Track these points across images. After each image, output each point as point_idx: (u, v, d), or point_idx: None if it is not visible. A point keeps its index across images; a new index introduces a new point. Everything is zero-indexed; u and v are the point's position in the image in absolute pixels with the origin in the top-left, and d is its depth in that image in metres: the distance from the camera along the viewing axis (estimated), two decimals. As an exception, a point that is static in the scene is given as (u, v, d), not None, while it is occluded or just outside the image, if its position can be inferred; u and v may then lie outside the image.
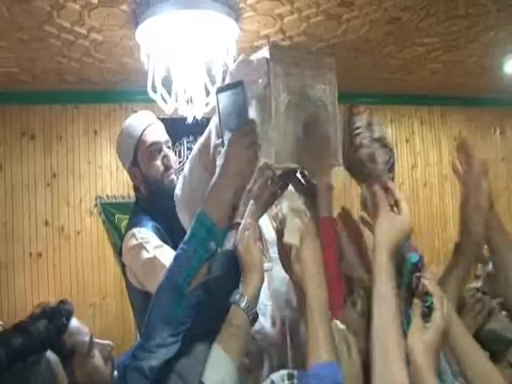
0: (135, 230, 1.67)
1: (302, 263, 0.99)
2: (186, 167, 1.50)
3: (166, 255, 1.65)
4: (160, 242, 1.68)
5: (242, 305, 1.03)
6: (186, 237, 1.02)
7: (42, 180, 3.32)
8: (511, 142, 4.53)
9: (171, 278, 0.99)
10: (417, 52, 3.07)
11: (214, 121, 1.34)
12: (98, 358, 1.18)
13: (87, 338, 1.17)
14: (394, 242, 0.97)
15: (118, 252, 1.79)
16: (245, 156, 1.07)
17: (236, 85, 1.01)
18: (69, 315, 1.16)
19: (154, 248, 1.66)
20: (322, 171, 1.48)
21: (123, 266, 1.77)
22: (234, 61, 1.32)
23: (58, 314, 1.14)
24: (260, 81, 1.21)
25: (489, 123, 4.46)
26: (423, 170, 4.25)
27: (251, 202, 1.22)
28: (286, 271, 1.10)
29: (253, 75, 1.21)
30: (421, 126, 4.28)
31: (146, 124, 1.83)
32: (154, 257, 1.62)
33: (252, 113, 1.31)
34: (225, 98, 1.03)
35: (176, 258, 1.01)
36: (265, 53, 1.25)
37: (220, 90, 1.00)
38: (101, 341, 1.24)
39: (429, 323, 0.89)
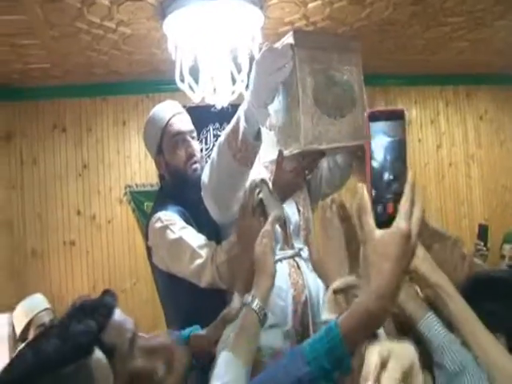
0: (160, 214, 1.67)
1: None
2: (214, 154, 1.50)
3: (192, 236, 1.69)
4: (185, 224, 1.69)
5: (253, 305, 1.11)
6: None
7: (73, 171, 3.42)
8: (539, 119, 4.45)
9: None
10: (442, 32, 3.03)
11: (243, 108, 1.36)
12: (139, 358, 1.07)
13: (129, 336, 1.05)
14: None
15: (145, 237, 1.81)
16: None
17: (396, 115, 0.74)
18: (109, 311, 1.05)
19: (179, 229, 1.67)
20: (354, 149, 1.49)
21: (148, 249, 1.79)
22: (260, 48, 1.35)
23: (96, 312, 1.03)
24: (286, 66, 1.25)
25: (516, 102, 4.39)
26: (448, 150, 4.21)
27: (272, 213, 1.28)
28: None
29: (278, 62, 1.25)
30: (446, 106, 4.23)
31: (171, 114, 1.85)
32: (180, 237, 1.64)
33: (280, 98, 1.34)
34: (379, 130, 0.74)
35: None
36: (289, 39, 1.28)
37: (373, 118, 0.73)
38: (146, 336, 1.12)
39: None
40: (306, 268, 1.73)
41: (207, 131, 3.61)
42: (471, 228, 4.05)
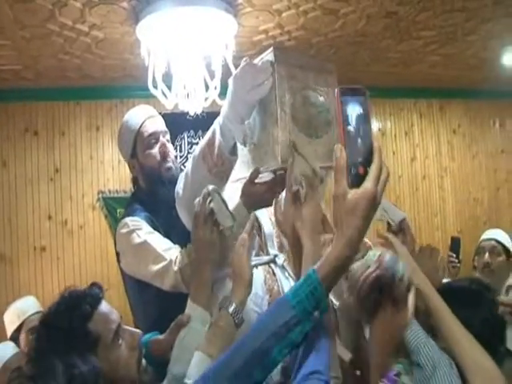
0: (128, 219, 1.69)
1: (303, 221, 1.07)
2: (189, 165, 1.51)
3: (157, 240, 1.69)
4: (152, 229, 1.70)
5: (230, 309, 1.15)
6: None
7: (45, 175, 3.36)
8: (511, 134, 4.56)
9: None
10: (415, 45, 3.09)
11: (218, 121, 1.38)
12: (123, 348, 1.09)
13: (113, 327, 1.08)
14: None
15: (114, 243, 1.81)
16: None
17: (360, 92, 0.87)
18: (95, 302, 1.08)
19: (145, 233, 1.67)
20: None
21: (117, 255, 1.79)
22: (234, 56, 1.36)
23: (83, 302, 1.06)
24: (265, 83, 1.24)
25: (488, 115, 4.48)
26: (422, 162, 4.28)
27: (251, 216, 1.31)
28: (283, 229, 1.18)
29: (257, 78, 1.24)
30: (420, 118, 4.31)
31: (144, 117, 1.86)
32: (145, 241, 1.64)
33: (256, 114, 1.34)
34: (348, 103, 0.87)
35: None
36: (269, 55, 1.28)
37: (344, 93, 0.86)
38: (130, 328, 1.16)
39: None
40: (281, 274, 1.74)
41: (182, 138, 3.60)
42: (444, 240, 4.11)
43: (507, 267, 2.89)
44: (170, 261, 1.60)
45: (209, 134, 1.40)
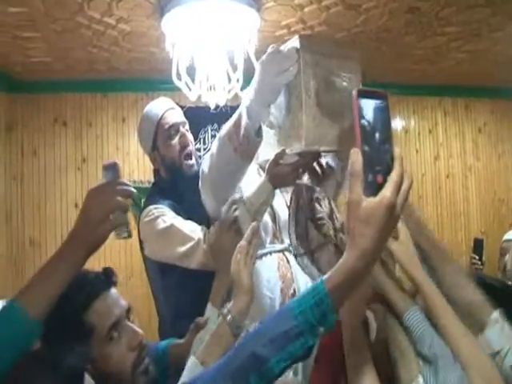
0: (151, 207, 1.73)
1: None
2: (214, 146, 1.56)
3: (183, 222, 1.74)
4: (175, 215, 1.75)
5: (228, 319, 1.13)
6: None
7: (72, 165, 3.48)
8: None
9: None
10: (438, 42, 3.07)
11: (245, 103, 1.40)
12: (119, 346, 1.05)
13: (110, 322, 1.04)
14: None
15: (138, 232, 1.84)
16: None
17: (381, 96, 0.82)
18: (94, 294, 1.04)
19: (170, 218, 1.73)
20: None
21: (141, 242, 1.83)
22: (256, 50, 1.39)
23: (83, 289, 1.03)
24: (291, 69, 1.28)
25: (515, 114, 4.41)
26: (446, 161, 4.23)
27: (252, 225, 1.31)
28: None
29: (284, 64, 1.28)
30: (444, 117, 4.26)
31: (164, 109, 1.91)
32: (172, 224, 1.69)
33: (282, 99, 1.39)
34: (367, 106, 0.83)
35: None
36: (295, 43, 1.32)
37: (362, 95, 0.82)
38: (133, 327, 1.10)
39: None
40: (295, 262, 1.78)
41: (205, 132, 3.67)
42: (467, 240, 4.06)
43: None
44: (199, 239, 1.66)
45: (235, 116, 1.44)
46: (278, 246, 1.75)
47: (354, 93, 0.79)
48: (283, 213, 1.88)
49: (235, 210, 1.38)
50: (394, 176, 0.75)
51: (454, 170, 4.26)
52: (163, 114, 1.89)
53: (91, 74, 3.25)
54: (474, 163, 4.31)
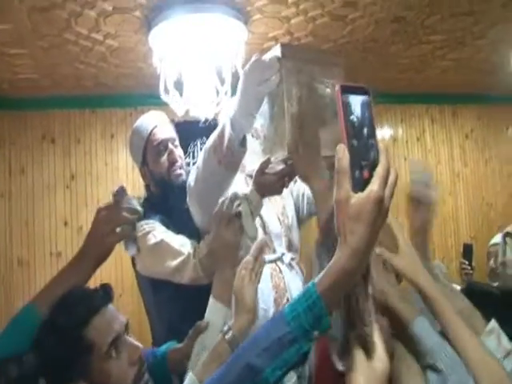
0: (142, 222, 1.71)
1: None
2: (200, 158, 1.56)
3: (173, 237, 1.73)
4: (165, 229, 1.75)
5: (227, 337, 1.11)
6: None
7: (61, 182, 3.44)
8: (524, 138, 4.53)
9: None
10: (424, 50, 3.11)
11: (228, 115, 1.41)
12: (120, 362, 1.05)
13: (110, 338, 1.03)
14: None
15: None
16: None
17: (363, 91, 0.81)
18: (96, 306, 1.04)
19: (160, 233, 1.72)
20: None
21: (133, 258, 1.82)
22: (244, 62, 1.41)
23: (82, 305, 1.04)
24: (273, 78, 1.29)
25: (501, 120, 4.47)
26: (434, 168, 4.27)
27: (259, 240, 1.29)
28: None
29: (265, 73, 1.29)
30: (432, 124, 4.31)
31: (153, 125, 1.91)
32: (162, 240, 1.68)
33: (265, 108, 1.39)
34: (350, 101, 0.82)
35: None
36: (276, 51, 1.33)
37: (345, 90, 0.80)
38: (132, 342, 1.10)
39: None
40: (287, 272, 1.78)
41: (194, 145, 3.66)
42: (457, 246, 4.08)
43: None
44: (189, 254, 1.65)
45: (219, 127, 1.45)
46: (271, 256, 1.76)
47: (337, 88, 0.78)
48: (273, 223, 1.90)
49: (238, 205, 1.37)
50: (379, 170, 0.74)
51: (442, 177, 4.30)
52: (152, 129, 1.89)
53: (79, 90, 3.23)
54: (461, 169, 4.36)
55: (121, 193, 1.26)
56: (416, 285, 1.05)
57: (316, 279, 0.76)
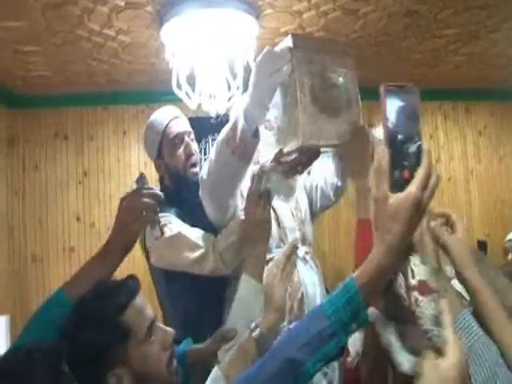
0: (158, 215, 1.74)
1: None
2: (213, 151, 1.57)
3: (190, 230, 1.74)
4: (181, 222, 1.75)
5: (254, 334, 1.12)
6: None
7: (74, 178, 3.48)
8: (539, 134, 4.47)
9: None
10: (437, 45, 3.08)
11: (241, 107, 1.41)
12: (155, 346, 1.05)
13: (147, 322, 1.05)
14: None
15: (142, 241, 1.82)
16: None
17: (408, 90, 0.82)
18: (131, 294, 1.05)
19: (176, 226, 1.73)
20: (358, 172, 1.59)
21: (147, 252, 1.83)
22: (256, 57, 1.42)
23: (117, 293, 1.04)
24: (285, 68, 1.30)
25: (515, 116, 4.42)
26: (447, 164, 4.23)
27: (291, 241, 1.29)
28: None
29: (277, 64, 1.30)
30: (444, 120, 4.27)
31: (169, 118, 1.92)
32: (179, 232, 1.69)
33: (278, 99, 1.40)
34: (394, 102, 0.82)
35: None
36: (288, 42, 1.34)
37: (389, 90, 0.81)
38: (163, 326, 1.12)
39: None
40: (302, 266, 1.78)
41: (206, 142, 3.66)
42: (471, 242, 4.04)
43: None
44: (208, 247, 1.66)
45: (231, 120, 1.45)
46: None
47: (382, 89, 0.79)
48: (286, 217, 1.90)
49: (267, 181, 1.37)
50: (421, 171, 0.76)
51: (455, 173, 4.26)
52: (168, 123, 1.90)
53: (91, 87, 3.25)
54: (475, 166, 4.31)
55: (141, 180, 1.28)
56: (463, 274, 1.02)
57: (354, 274, 0.79)
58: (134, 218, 1.20)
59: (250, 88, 1.38)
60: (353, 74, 1.44)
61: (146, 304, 1.10)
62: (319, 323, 0.79)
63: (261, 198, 1.40)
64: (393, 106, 0.78)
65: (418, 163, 0.77)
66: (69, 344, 0.92)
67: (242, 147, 1.42)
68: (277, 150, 1.42)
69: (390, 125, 0.78)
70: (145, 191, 1.23)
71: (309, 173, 1.87)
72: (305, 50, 1.33)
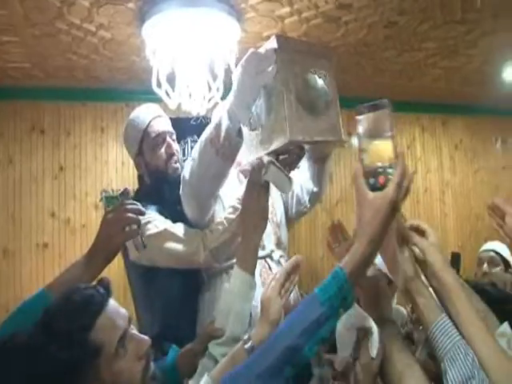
0: None
1: None
2: (195, 151, 1.58)
3: (176, 226, 1.74)
4: (165, 219, 1.76)
5: (246, 346, 1.12)
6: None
7: (49, 174, 3.42)
8: (513, 150, 4.57)
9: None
10: (416, 57, 3.13)
11: (224, 108, 1.45)
12: (128, 358, 1.01)
13: (118, 335, 0.99)
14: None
15: None
16: None
17: (380, 106, 0.93)
18: (100, 307, 0.99)
19: (161, 223, 1.74)
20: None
21: (124, 249, 1.82)
22: (237, 61, 1.45)
23: (84, 309, 0.98)
24: (269, 69, 1.34)
25: (490, 131, 4.51)
26: (424, 176, 4.30)
27: (295, 257, 1.29)
28: None
29: (263, 65, 1.33)
30: (422, 133, 4.34)
31: (152, 116, 1.92)
32: (165, 229, 1.71)
33: (261, 101, 1.42)
34: (366, 120, 0.95)
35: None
36: (272, 43, 1.38)
37: (360, 112, 0.94)
38: (137, 335, 1.06)
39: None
40: (276, 269, 1.79)
41: (185, 143, 3.65)
42: (445, 254, 4.09)
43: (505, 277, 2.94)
44: (197, 242, 1.69)
45: (215, 120, 1.49)
46: (261, 253, 1.76)
47: (355, 112, 0.94)
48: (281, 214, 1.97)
49: (265, 173, 1.38)
50: (396, 176, 0.90)
51: (431, 185, 4.32)
52: (150, 121, 1.90)
53: (70, 82, 3.21)
54: (450, 179, 4.38)
55: (126, 194, 1.38)
56: (440, 277, 1.06)
57: (341, 264, 0.91)
58: (118, 230, 1.27)
59: (235, 88, 1.41)
60: (331, 76, 1.47)
61: (119, 310, 1.04)
62: (315, 310, 0.88)
63: (260, 190, 1.42)
64: (363, 126, 0.92)
65: (392, 166, 0.90)
66: (36, 360, 0.89)
67: (227, 146, 1.45)
68: (258, 152, 1.45)
69: (364, 136, 0.92)
70: (129, 206, 1.29)
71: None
72: (288, 51, 1.37)
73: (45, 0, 2.09)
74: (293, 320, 0.91)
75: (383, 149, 0.94)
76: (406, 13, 2.49)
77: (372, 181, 0.91)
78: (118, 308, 1.05)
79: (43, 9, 2.16)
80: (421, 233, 1.17)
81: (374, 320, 1.13)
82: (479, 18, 2.59)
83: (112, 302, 1.04)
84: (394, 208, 0.91)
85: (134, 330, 1.07)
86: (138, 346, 1.04)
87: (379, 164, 0.92)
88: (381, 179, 0.91)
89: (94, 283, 1.10)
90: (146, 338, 1.07)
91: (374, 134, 0.94)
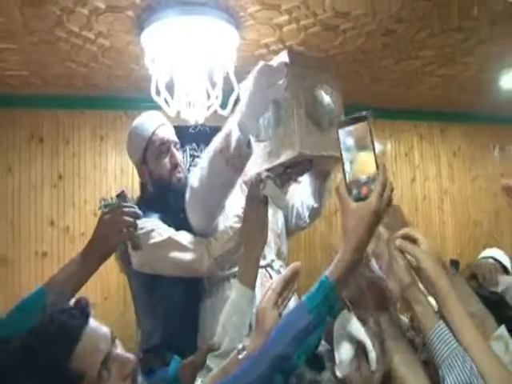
0: (143, 220, 1.63)
1: None
2: (204, 160, 1.59)
3: (180, 234, 1.74)
4: (168, 227, 1.76)
5: (240, 356, 1.12)
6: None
7: (48, 182, 3.41)
8: (510, 158, 4.58)
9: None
10: (413, 65, 3.15)
11: (235, 119, 1.47)
12: (112, 381, 0.95)
13: (99, 361, 0.93)
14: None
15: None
16: None
17: (361, 119, 0.96)
18: (74, 339, 0.93)
19: (165, 231, 1.73)
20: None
21: (127, 257, 1.79)
22: (236, 69, 1.47)
23: (61, 336, 0.92)
24: (280, 82, 1.36)
25: (488, 139, 4.52)
26: (422, 183, 4.30)
27: (293, 264, 1.26)
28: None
29: (274, 77, 1.37)
30: (420, 140, 4.35)
31: (156, 124, 1.92)
32: (169, 237, 1.70)
33: (269, 114, 1.44)
34: (348, 133, 0.97)
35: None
36: (284, 57, 1.42)
37: (342, 125, 0.97)
38: (122, 354, 0.99)
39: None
40: None
41: (183, 151, 3.66)
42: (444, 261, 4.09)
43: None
44: (202, 251, 1.68)
45: (224, 131, 1.50)
46: (261, 262, 1.76)
47: (337, 125, 0.97)
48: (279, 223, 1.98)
49: (263, 187, 1.40)
50: (377, 186, 0.93)
51: (430, 193, 4.33)
52: (155, 129, 1.90)
53: (69, 90, 3.21)
54: (449, 186, 4.39)
55: (123, 197, 1.38)
56: (435, 285, 1.04)
57: (327, 273, 0.93)
58: (114, 231, 1.28)
59: (246, 100, 1.43)
60: (338, 92, 1.50)
61: (100, 330, 0.97)
62: (303, 319, 0.89)
63: (260, 204, 1.43)
64: (345, 139, 0.96)
65: (374, 178, 0.93)
66: None
67: (237, 157, 1.46)
68: (265, 164, 1.46)
69: (347, 148, 0.95)
70: (126, 209, 1.30)
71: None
72: (299, 65, 1.42)
73: (44, 8, 2.10)
74: (283, 328, 0.92)
75: (365, 161, 0.96)
76: (403, 21, 2.51)
77: (355, 192, 0.94)
78: (99, 329, 0.98)
79: (42, 16, 2.17)
80: (413, 241, 1.16)
81: (382, 322, 1.12)
82: (476, 25, 2.61)
83: (91, 325, 0.97)
84: (378, 216, 0.93)
85: (118, 349, 1.00)
86: (123, 366, 0.98)
87: (362, 176, 0.94)
88: (364, 190, 0.93)
89: (73, 303, 1.01)
90: (130, 356, 1.00)
91: (355, 146, 0.96)
